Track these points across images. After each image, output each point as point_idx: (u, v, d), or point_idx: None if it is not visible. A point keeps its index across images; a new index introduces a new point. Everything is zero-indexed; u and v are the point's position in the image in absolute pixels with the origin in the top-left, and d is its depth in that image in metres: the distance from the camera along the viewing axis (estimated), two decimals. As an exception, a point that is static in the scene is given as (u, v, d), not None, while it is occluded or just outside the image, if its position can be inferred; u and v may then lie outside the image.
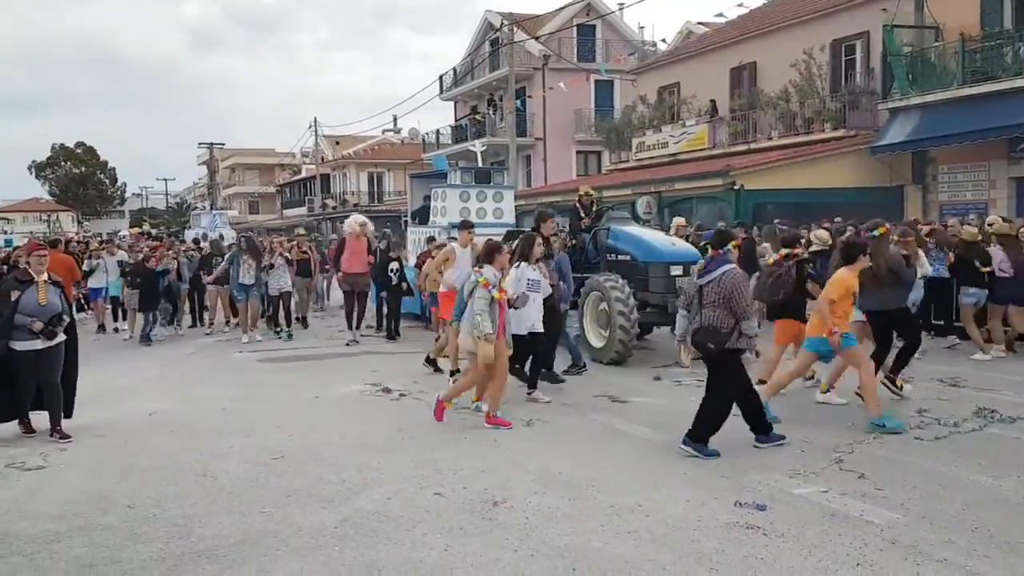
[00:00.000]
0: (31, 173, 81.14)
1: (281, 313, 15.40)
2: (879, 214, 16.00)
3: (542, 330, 9.01)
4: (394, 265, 14.78)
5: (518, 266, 8.77)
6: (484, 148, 22.39)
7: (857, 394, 8.11)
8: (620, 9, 37.49)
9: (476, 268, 8.28)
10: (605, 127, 33.41)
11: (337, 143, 59.55)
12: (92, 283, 16.38)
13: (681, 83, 29.41)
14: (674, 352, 9.73)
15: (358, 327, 14.16)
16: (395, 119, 48.03)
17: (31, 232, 45.28)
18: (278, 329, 15.18)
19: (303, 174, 65.86)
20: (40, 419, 7.86)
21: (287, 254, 15.72)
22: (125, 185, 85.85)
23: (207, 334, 15.75)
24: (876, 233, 8.54)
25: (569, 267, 10.61)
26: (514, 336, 8.48)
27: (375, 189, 56.78)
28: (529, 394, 9.05)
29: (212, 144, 64.73)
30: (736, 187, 21.37)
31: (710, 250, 7.20)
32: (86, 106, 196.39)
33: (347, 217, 16.91)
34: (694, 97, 28.07)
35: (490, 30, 38.88)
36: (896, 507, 5.49)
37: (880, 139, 20.77)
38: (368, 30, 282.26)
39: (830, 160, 21.63)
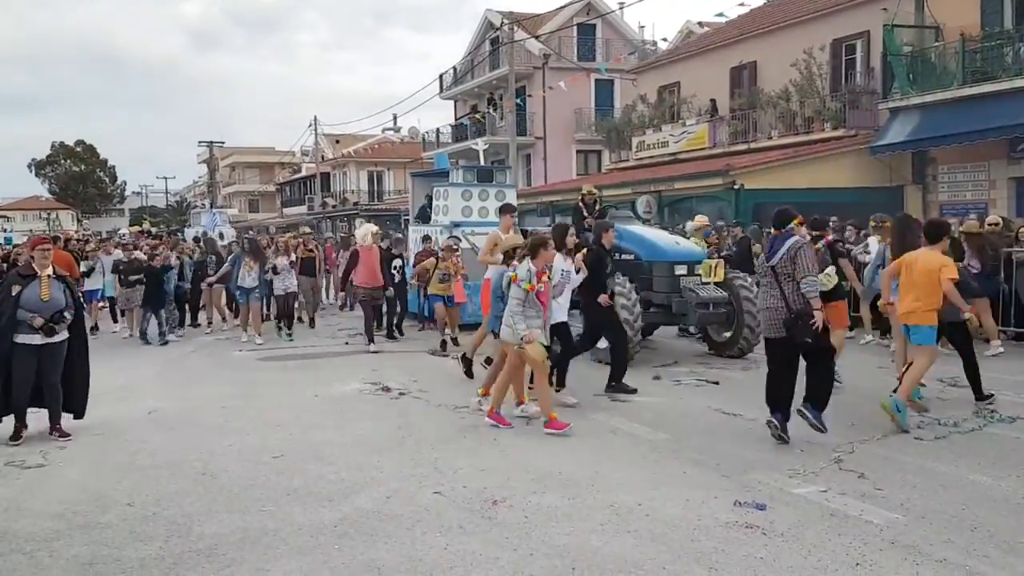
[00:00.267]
0: (31, 171, 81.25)
1: (276, 311, 15.40)
2: (879, 214, 16.02)
3: (565, 319, 8.89)
4: (397, 262, 14.76)
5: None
6: (487, 147, 22.36)
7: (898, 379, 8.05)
8: (620, 8, 37.49)
9: (513, 263, 8.01)
10: (605, 126, 33.40)
11: (337, 142, 59.52)
12: (89, 284, 16.02)
13: (681, 82, 29.41)
14: (674, 352, 9.73)
15: (380, 330, 13.90)
16: (395, 118, 48.10)
17: (31, 230, 45.28)
18: (280, 326, 15.10)
19: (303, 173, 65.84)
20: (34, 419, 7.74)
21: (294, 253, 15.66)
22: (125, 183, 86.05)
23: (207, 333, 15.74)
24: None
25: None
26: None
27: (375, 188, 56.76)
28: (558, 391, 8.73)
29: (212, 142, 64.64)
30: (736, 186, 21.37)
31: (772, 231, 7.36)
32: (86, 105, 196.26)
33: (347, 217, 16.85)
34: (694, 96, 28.07)
35: (490, 29, 38.88)
36: (896, 507, 5.49)
37: (880, 139, 20.77)
38: (368, 29, 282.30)
39: (830, 160, 21.63)
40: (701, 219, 15.15)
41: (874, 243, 13.21)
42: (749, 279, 11.82)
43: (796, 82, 23.35)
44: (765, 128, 24.52)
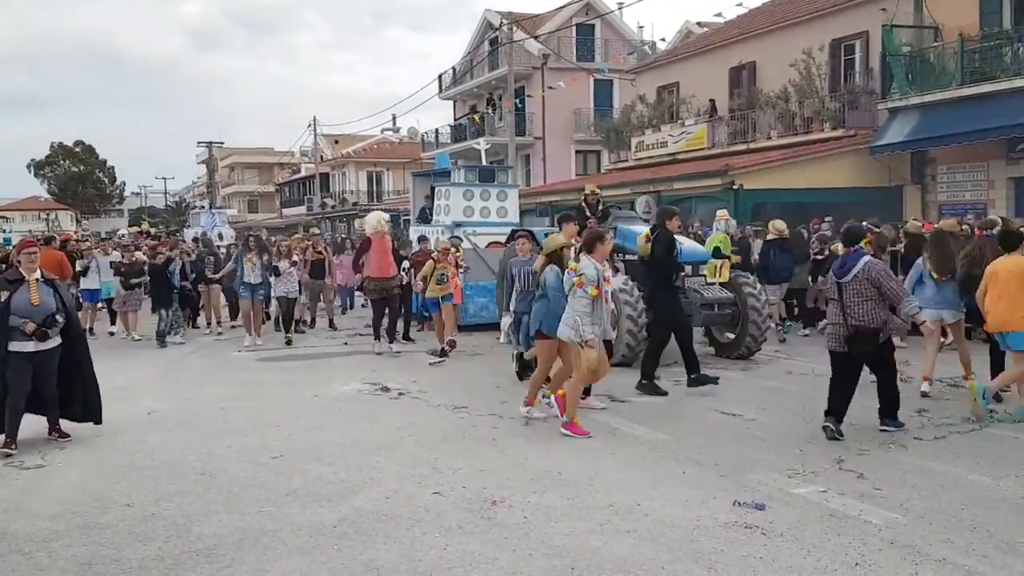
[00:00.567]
0: (30, 172, 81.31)
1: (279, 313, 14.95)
2: (878, 214, 16.08)
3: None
4: (404, 263, 14.53)
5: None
6: (489, 146, 22.32)
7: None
8: (619, 8, 37.52)
9: (572, 264, 7.63)
10: (604, 127, 33.39)
11: (336, 142, 59.56)
12: (86, 284, 15.67)
13: (680, 83, 29.40)
14: (674, 352, 9.70)
15: (393, 338, 12.95)
16: (394, 118, 48.09)
17: (29, 230, 45.27)
18: (288, 338, 14.10)
19: (302, 173, 65.87)
20: (34, 421, 7.64)
21: (297, 256, 15.25)
22: (124, 184, 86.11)
23: (206, 334, 15.73)
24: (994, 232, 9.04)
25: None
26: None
27: (374, 188, 56.77)
28: (583, 398, 8.50)
29: (211, 143, 64.69)
30: (735, 187, 21.35)
31: (841, 248, 7.64)
32: (85, 105, 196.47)
33: (346, 217, 16.72)
34: (693, 97, 28.07)
35: (489, 29, 38.88)
36: (895, 507, 5.49)
37: (879, 139, 20.77)
38: (367, 29, 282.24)
39: (829, 160, 21.62)
40: (722, 213, 15.17)
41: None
42: (752, 279, 11.80)
43: (795, 82, 23.35)
44: (764, 128, 24.52)
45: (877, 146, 20.72)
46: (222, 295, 16.49)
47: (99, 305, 16.32)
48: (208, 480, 6.33)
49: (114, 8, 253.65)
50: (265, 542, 5.07)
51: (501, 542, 4.99)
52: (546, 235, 13.49)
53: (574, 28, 37.16)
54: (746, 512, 5.41)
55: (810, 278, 14.17)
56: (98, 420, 7.78)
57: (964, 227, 12.77)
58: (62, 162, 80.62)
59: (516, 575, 4.57)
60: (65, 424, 7.74)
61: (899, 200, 21.14)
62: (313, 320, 16.62)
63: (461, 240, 14.61)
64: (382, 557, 4.81)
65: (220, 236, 30.69)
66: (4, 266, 14.51)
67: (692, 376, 9.28)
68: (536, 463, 6.61)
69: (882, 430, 7.36)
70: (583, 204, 13.01)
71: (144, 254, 15.95)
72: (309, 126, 54.41)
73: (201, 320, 16.78)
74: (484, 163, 20.05)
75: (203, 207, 61.55)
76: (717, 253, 11.99)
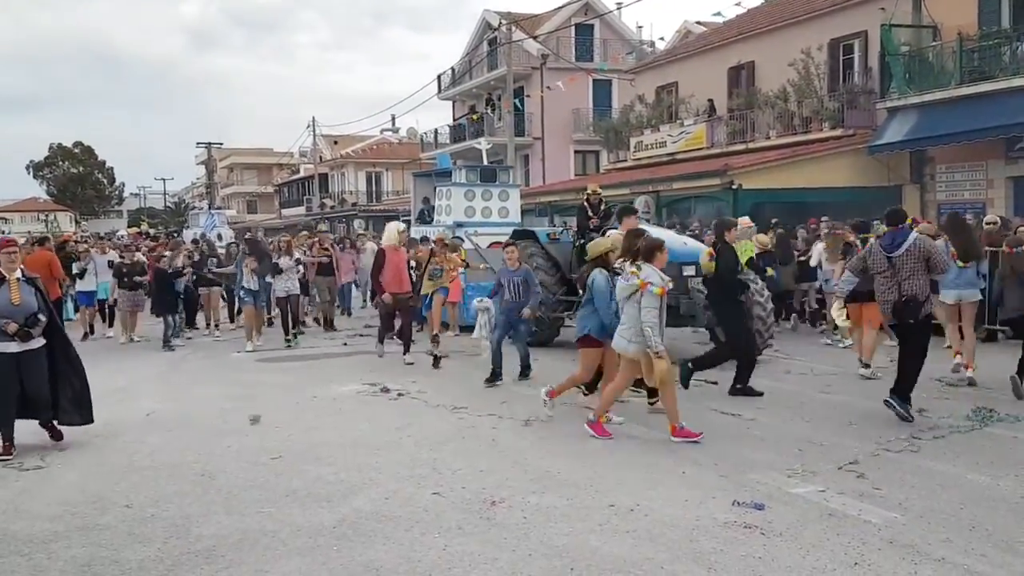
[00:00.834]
0: (29, 173, 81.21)
1: (276, 317, 14.83)
2: (877, 214, 16.06)
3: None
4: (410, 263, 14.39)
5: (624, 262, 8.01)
6: (490, 146, 22.26)
7: None
8: (618, 8, 37.52)
9: (632, 270, 7.27)
10: (603, 127, 33.40)
11: (335, 142, 59.55)
12: (82, 286, 15.41)
13: (679, 82, 29.41)
14: (674, 352, 9.66)
15: (408, 348, 12.04)
16: (393, 119, 48.22)
17: (29, 232, 45.19)
18: (288, 339, 13.90)
19: (301, 174, 65.89)
20: (32, 425, 7.55)
21: (300, 256, 15.01)
22: (123, 185, 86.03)
23: (205, 335, 15.73)
24: None
25: (536, 280, 10.42)
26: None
27: (373, 188, 56.79)
28: (585, 394, 8.44)
29: (210, 144, 64.66)
30: (734, 186, 21.36)
31: (884, 228, 8.11)
32: (84, 105, 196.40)
33: (345, 218, 16.59)
34: (692, 97, 28.08)
35: (488, 29, 38.89)
36: (894, 506, 5.49)
37: (878, 138, 20.78)
38: (367, 30, 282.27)
39: (828, 159, 21.63)
40: (745, 220, 13.93)
41: (818, 249, 13.27)
42: (756, 279, 11.75)
43: (794, 82, 23.36)
44: (763, 128, 24.52)
45: (876, 145, 20.73)
46: (222, 296, 16.49)
47: (94, 308, 15.95)
48: (207, 481, 6.33)
49: (113, 8, 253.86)
50: (264, 543, 5.07)
51: (500, 542, 5.00)
52: (548, 235, 13.49)
53: (573, 28, 37.17)
54: (745, 512, 5.41)
55: (795, 280, 14.25)
56: (89, 420, 7.61)
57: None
58: (61, 163, 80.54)
59: (515, 575, 4.57)
60: (71, 429, 7.59)
61: (898, 199, 21.11)
62: (330, 321, 16.10)
63: (462, 240, 14.57)
64: (381, 558, 4.81)
65: (219, 237, 30.66)
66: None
67: (738, 386, 9.10)
68: (535, 463, 6.62)
69: (886, 402, 7.69)
70: (585, 204, 12.96)
71: (143, 255, 15.90)
72: (308, 126, 54.49)
73: (200, 320, 16.75)
74: (485, 163, 19.99)
75: (202, 208, 61.57)
76: (751, 264, 11.39)
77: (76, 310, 16.59)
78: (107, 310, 16.09)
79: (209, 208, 55.86)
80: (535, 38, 35.54)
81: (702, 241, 13.93)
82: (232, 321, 16.74)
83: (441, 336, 12.15)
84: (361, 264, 18.53)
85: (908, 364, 7.76)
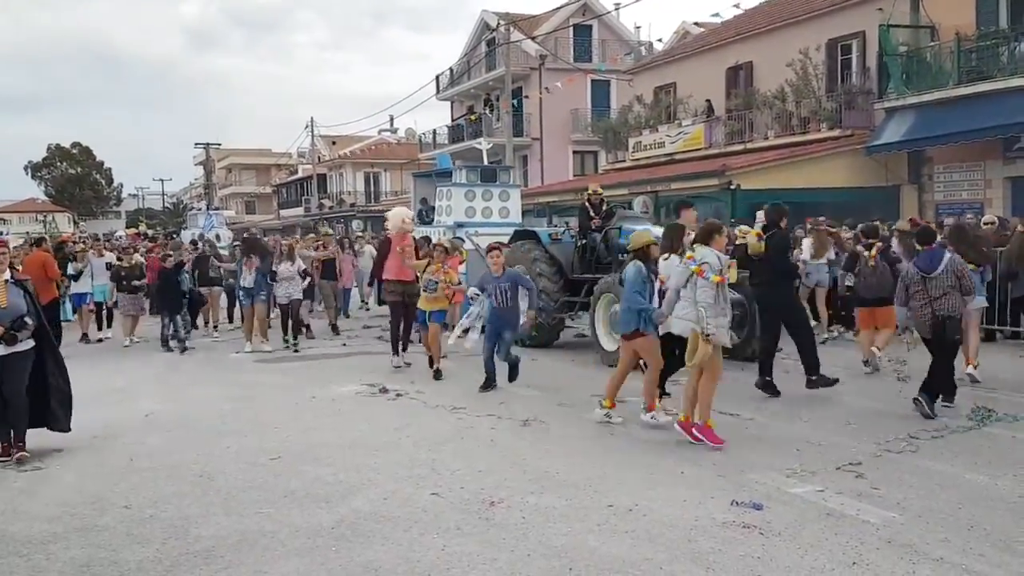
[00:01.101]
0: (27, 173, 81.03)
1: (281, 322, 14.21)
2: (876, 214, 16.09)
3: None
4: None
5: (667, 258, 7.99)
6: (490, 146, 22.20)
7: None
8: (616, 9, 37.45)
9: (689, 254, 7.21)
10: (602, 127, 33.40)
11: (334, 143, 59.55)
12: (77, 287, 15.16)
13: (677, 83, 29.41)
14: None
15: (406, 346, 11.71)
16: (392, 119, 48.20)
17: (27, 232, 45.16)
18: (286, 339, 13.75)
19: (300, 174, 65.86)
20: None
21: (302, 259, 14.59)
22: (121, 185, 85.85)
23: (204, 335, 15.71)
24: None
25: (528, 280, 10.39)
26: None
27: (372, 189, 56.78)
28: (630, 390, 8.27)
29: (208, 144, 64.67)
30: (732, 187, 21.36)
31: (918, 247, 8.30)
32: (84, 106, 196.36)
33: (344, 218, 16.48)
34: (690, 97, 28.08)
35: (487, 30, 38.90)
36: (892, 506, 5.50)
37: (876, 139, 20.79)
38: (366, 30, 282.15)
39: (826, 160, 21.63)
40: (743, 229, 14.00)
41: (808, 245, 13.26)
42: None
43: (792, 82, 23.36)
44: (761, 128, 24.53)
45: (874, 146, 20.75)
46: (223, 297, 16.45)
47: (88, 307, 15.59)
48: (206, 482, 6.33)
49: (113, 8, 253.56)
50: (263, 543, 5.07)
51: (499, 543, 5.00)
52: (549, 236, 13.45)
53: (571, 29, 37.18)
54: (744, 512, 5.42)
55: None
56: (66, 428, 7.35)
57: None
58: (59, 164, 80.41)
59: (514, 575, 4.57)
60: (58, 437, 7.38)
61: (896, 200, 21.16)
62: (334, 326, 15.85)
63: (463, 241, 14.53)
64: (380, 558, 4.81)
65: (218, 237, 30.64)
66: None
67: (813, 377, 9.09)
68: (534, 464, 6.62)
69: (915, 400, 7.90)
70: (586, 204, 12.95)
71: (142, 256, 15.83)
72: (307, 127, 54.52)
73: (200, 320, 16.70)
74: (486, 163, 19.95)
75: (200, 208, 61.54)
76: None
77: (74, 311, 16.48)
78: (105, 312, 15.87)
79: (207, 209, 55.87)
80: (533, 39, 35.55)
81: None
82: (231, 321, 16.73)
83: (441, 336, 12.01)
84: (359, 267, 18.53)
85: (940, 366, 8.03)
